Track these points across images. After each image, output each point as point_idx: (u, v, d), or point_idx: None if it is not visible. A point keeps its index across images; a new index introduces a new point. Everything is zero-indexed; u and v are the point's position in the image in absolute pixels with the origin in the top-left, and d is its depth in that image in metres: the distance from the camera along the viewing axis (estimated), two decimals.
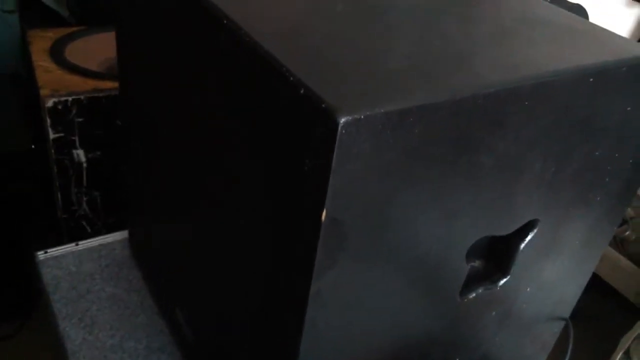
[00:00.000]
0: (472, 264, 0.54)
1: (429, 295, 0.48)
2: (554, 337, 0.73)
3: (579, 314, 1.25)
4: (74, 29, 1.22)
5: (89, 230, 1.10)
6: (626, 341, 0.98)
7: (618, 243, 1.36)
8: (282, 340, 0.42)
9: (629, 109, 0.48)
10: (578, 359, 1.09)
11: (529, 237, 0.51)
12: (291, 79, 0.33)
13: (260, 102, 0.37)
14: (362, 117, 0.31)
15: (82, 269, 0.82)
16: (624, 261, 1.28)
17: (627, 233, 1.36)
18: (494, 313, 0.56)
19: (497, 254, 0.53)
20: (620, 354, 0.98)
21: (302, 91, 0.32)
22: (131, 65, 0.64)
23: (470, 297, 0.52)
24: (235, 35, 0.38)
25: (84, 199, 1.04)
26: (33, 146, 1.05)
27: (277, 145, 0.36)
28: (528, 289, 0.58)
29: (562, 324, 0.72)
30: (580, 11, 0.48)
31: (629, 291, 1.25)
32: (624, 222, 1.41)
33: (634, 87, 0.47)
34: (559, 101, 0.41)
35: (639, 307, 1.23)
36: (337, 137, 0.31)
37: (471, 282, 0.52)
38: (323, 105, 0.31)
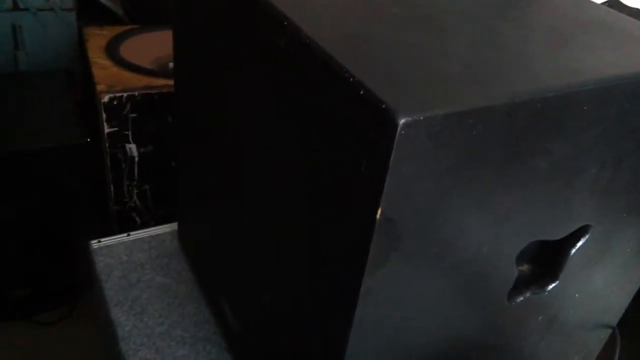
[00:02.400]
0: (521, 267, 0.54)
1: (477, 298, 0.48)
2: (600, 345, 0.72)
3: (626, 323, 1.22)
4: (128, 27, 1.26)
5: (139, 221, 1.13)
6: None
7: None
8: (329, 337, 0.43)
9: None
10: None
11: (580, 243, 0.51)
12: (351, 80, 0.34)
13: (318, 104, 0.38)
14: (422, 118, 0.32)
15: (133, 259, 0.85)
16: None
17: None
18: (540, 318, 0.56)
19: (547, 259, 0.53)
20: None
21: (362, 92, 0.33)
22: (187, 64, 0.66)
23: (518, 301, 0.52)
24: (295, 37, 0.39)
25: (135, 191, 1.08)
26: (88, 139, 1.09)
27: (333, 145, 0.37)
28: (576, 295, 0.57)
29: (608, 331, 0.71)
30: None
31: None
32: None
33: None
34: (617, 107, 0.41)
35: None
36: (396, 138, 0.32)
37: (519, 286, 0.52)
38: (383, 106, 0.32)
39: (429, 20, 0.45)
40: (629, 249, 0.57)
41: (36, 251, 1.30)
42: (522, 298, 0.52)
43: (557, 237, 0.48)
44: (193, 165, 0.73)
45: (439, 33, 0.43)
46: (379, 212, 0.34)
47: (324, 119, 0.38)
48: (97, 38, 1.22)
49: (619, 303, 0.67)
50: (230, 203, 0.61)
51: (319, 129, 0.39)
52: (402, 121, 0.31)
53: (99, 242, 0.87)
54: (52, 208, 1.19)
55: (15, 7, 1.32)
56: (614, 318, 0.69)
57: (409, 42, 0.41)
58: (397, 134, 0.31)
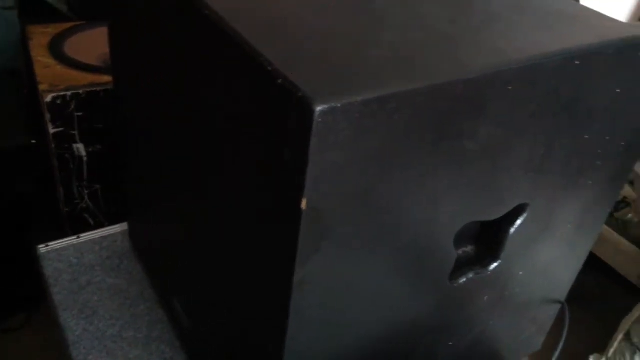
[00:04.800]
0: (464, 249, 0.54)
1: (418, 281, 0.48)
2: (551, 319, 0.74)
3: (581, 296, 1.25)
4: (73, 24, 1.22)
5: (92, 223, 1.11)
6: (627, 323, 0.98)
7: (620, 225, 1.36)
8: (270, 328, 0.43)
9: (617, 91, 0.47)
10: (580, 341, 1.09)
11: (518, 222, 0.51)
12: (269, 68, 0.33)
13: (242, 94, 0.37)
14: (339, 105, 0.32)
15: (83, 261, 0.83)
16: (625, 243, 1.27)
17: (630, 215, 1.35)
18: (486, 298, 0.57)
19: (488, 239, 0.53)
20: (621, 336, 0.98)
21: (279, 81, 0.32)
22: (122, 60, 0.64)
23: (461, 282, 0.52)
24: (215, 26, 0.38)
25: (86, 192, 1.05)
26: (34, 141, 1.06)
27: (259, 135, 0.36)
28: (521, 273, 0.58)
29: (558, 306, 0.72)
30: None
31: (631, 273, 1.25)
32: (627, 204, 1.40)
33: (622, 69, 0.46)
34: (544, 86, 0.41)
35: None
36: (313, 126, 0.31)
37: (462, 267, 0.53)
38: (299, 94, 0.31)
39: (358, 6, 0.45)
40: (569, 225, 0.58)
41: None
42: (465, 279, 0.52)
43: (495, 217, 0.49)
44: (135, 163, 0.71)
45: (368, 19, 0.43)
46: (304, 202, 0.34)
47: (247, 110, 0.37)
48: (41, 36, 1.18)
49: (566, 278, 0.68)
50: (172, 200, 0.60)
51: (243, 120, 0.38)
52: (318, 109, 0.31)
53: (47, 246, 0.84)
54: (1, 212, 1.15)
55: None
56: (562, 293, 0.70)
57: (335, 29, 0.40)
58: (315, 122, 0.31)
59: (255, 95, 0.35)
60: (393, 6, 0.46)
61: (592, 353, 1.02)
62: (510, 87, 0.39)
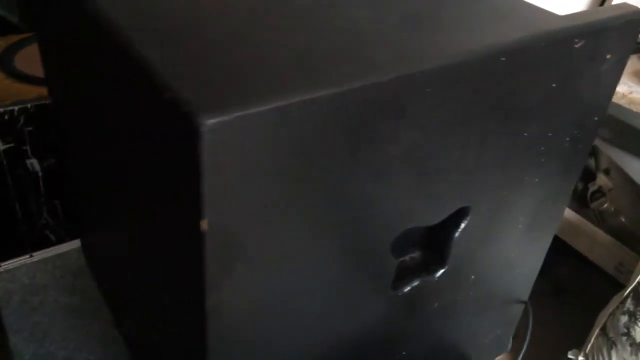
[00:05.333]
0: (411, 255, 0.52)
1: (357, 294, 0.46)
2: (516, 319, 0.72)
3: (559, 290, 1.24)
4: (24, 36, 1.19)
5: (54, 239, 1.08)
6: (602, 318, 0.96)
7: (597, 216, 1.34)
8: (195, 354, 0.41)
9: (554, 85, 0.45)
10: (558, 334, 1.08)
11: (462, 225, 0.49)
12: (159, 82, 0.31)
13: (138, 107, 0.35)
14: (231, 118, 0.29)
15: (36, 281, 0.80)
16: (601, 234, 1.26)
17: (605, 205, 1.34)
18: (436, 304, 0.55)
19: (433, 245, 0.51)
20: (597, 330, 0.97)
21: (167, 94, 0.30)
22: (51, 72, 0.62)
23: (406, 290, 0.50)
24: (109, 35, 0.36)
25: (44, 208, 1.02)
26: None
27: (157, 155, 0.34)
28: (473, 277, 0.56)
29: (522, 305, 0.70)
30: None
31: (608, 265, 1.24)
32: (602, 194, 1.39)
33: (557, 63, 0.44)
34: (468, 85, 0.39)
35: (619, 280, 1.21)
36: (203, 143, 0.29)
37: (407, 274, 0.51)
38: (185, 109, 0.29)
39: (274, 7, 0.42)
40: (520, 225, 0.56)
41: None
42: (409, 287, 0.50)
43: (435, 222, 0.46)
44: (77, 177, 0.69)
45: (280, 21, 0.41)
46: (204, 223, 0.32)
47: (143, 126, 0.35)
48: None
49: (526, 277, 0.66)
50: (108, 215, 0.58)
51: (142, 137, 0.36)
52: (207, 123, 0.28)
53: None
54: None
55: None
56: (524, 293, 0.68)
57: (242, 35, 0.38)
58: (204, 139, 0.29)
59: (148, 109, 0.33)
60: (312, 6, 0.44)
61: (572, 348, 1.01)
62: (428, 89, 0.37)
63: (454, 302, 0.57)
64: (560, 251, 1.15)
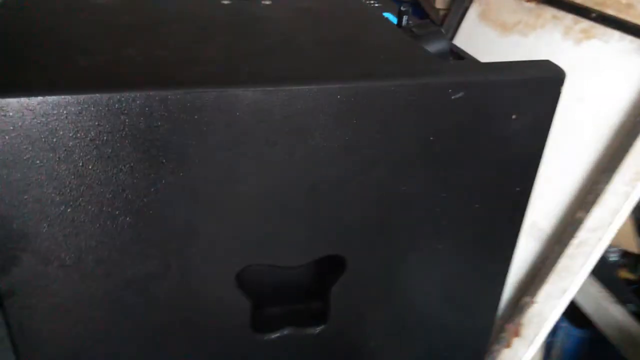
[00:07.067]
0: (290, 305, 0.49)
1: (202, 337, 0.45)
2: None
3: None
4: None
5: None
6: None
7: None
8: None
9: (431, 138, 0.41)
10: None
11: (339, 279, 0.46)
12: None
13: None
14: None
15: None
16: None
17: None
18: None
19: (313, 297, 0.48)
20: None
21: None
22: None
23: (274, 336, 0.47)
24: None
25: None
26: None
27: None
28: (372, 344, 0.51)
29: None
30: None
31: None
32: None
33: (430, 111, 0.41)
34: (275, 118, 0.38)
35: None
36: None
37: (280, 322, 0.48)
38: None
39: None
40: (435, 280, 0.50)
41: None
42: (278, 334, 0.47)
43: (294, 264, 0.44)
44: None
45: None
46: None
47: None
48: None
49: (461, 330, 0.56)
50: None
51: None
52: None
53: None
54: None
55: None
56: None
57: None
58: None
59: None
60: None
61: None
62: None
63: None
64: None
